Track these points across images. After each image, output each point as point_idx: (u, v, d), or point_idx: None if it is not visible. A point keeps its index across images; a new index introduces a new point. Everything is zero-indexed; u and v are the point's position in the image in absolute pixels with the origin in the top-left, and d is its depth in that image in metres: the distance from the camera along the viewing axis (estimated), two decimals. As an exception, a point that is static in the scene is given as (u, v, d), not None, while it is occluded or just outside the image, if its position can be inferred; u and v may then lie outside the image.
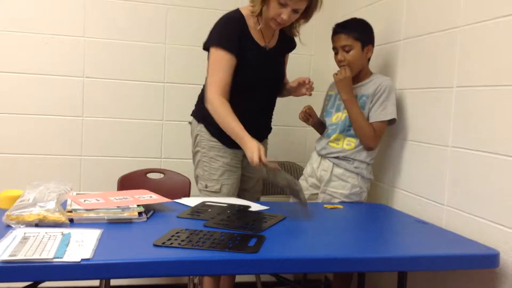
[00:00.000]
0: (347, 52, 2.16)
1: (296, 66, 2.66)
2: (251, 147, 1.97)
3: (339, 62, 2.21)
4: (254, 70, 2.16)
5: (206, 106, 2.13)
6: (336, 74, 2.18)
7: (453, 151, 1.83)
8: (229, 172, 2.22)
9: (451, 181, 1.84)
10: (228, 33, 2.12)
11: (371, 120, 2.14)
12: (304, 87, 2.22)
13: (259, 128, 2.24)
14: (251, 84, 2.17)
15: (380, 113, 2.13)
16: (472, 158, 1.72)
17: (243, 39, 2.14)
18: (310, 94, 2.24)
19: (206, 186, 2.22)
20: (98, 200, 1.73)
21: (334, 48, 2.23)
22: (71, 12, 2.70)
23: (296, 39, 2.34)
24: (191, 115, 2.31)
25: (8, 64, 2.65)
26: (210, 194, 2.21)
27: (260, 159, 1.92)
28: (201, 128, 2.23)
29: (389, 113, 2.13)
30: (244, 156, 2.28)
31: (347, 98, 2.15)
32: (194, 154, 2.29)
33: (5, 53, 2.64)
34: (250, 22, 2.16)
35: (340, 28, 2.20)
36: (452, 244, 1.61)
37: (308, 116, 2.32)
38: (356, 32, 2.15)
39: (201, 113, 2.23)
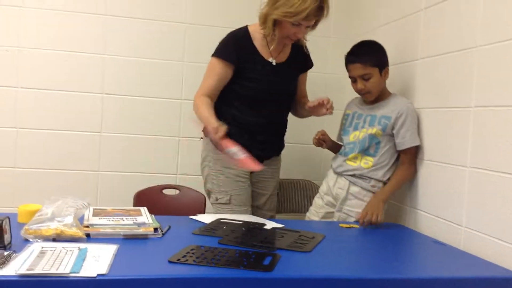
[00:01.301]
0: (367, 80, 2.14)
1: (312, 84, 2.66)
2: (211, 124, 2.00)
3: (359, 91, 2.19)
4: (259, 83, 2.19)
5: None
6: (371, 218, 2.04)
7: (471, 172, 1.81)
8: (237, 183, 2.23)
9: (469, 202, 1.82)
10: (228, 45, 2.20)
11: (405, 146, 2.12)
12: (324, 107, 2.20)
13: (267, 143, 2.25)
14: (256, 96, 2.20)
15: (410, 139, 2.11)
16: (491, 179, 1.70)
17: (246, 52, 2.19)
18: (331, 113, 2.21)
19: (217, 199, 2.25)
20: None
21: (351, 77, 2.20)
22: (91, 30, 2.76)
23: (308, 44, 2.35)
24: (202, 130, 2.34)
25: (29, 80, 2.71)
26: (222, 207, 2.23)
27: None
28: (208, 142, 2.26)
29: (416, 138, 2.12)
30: (252, 172, 2.29)
31: (384, 199, 2.13)
32: (202, 169, 2.32)
33: (27, 70, 2.70)
34: (257, 37, 2.22)
35: (355, 57, 2.17)
36: (471, 266, 1.59)
37: (322, 141, 2.31)
38: (372, 59, 2.13)
39: None
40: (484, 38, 1.77)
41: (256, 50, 2.21)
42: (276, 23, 2.10)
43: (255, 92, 2.19)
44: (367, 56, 2.14)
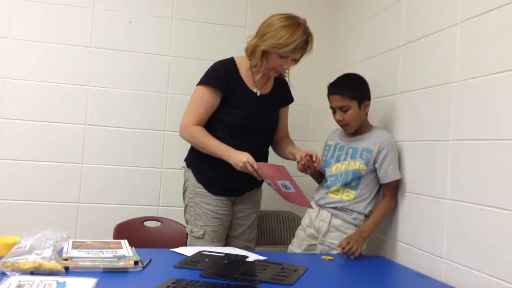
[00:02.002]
0: (345, 112, 2.18)
1: (295, 115, 2.71)
2: (238, 154, 2.07)
3: (338, 122, 2.24)
4: (243, 111, 2.22)
5: (181, 135, 2.22)
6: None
7: (450, 204, 1.84)
8: (213, 219, 2.23)
9: (449, 234, 1.83)
10: (215, 73, 2.23)
11: (387, 180, 2.15)
12: (310, 164, 2.19)
13: (249, 174, 2.27)
14: (241, 125, 2.23)
15: (392, 173, 2.14)
16: (469, 210, 1.72)
17: (232, 81, 2.23)
18: (320, 168, 2.26)
19: (192, 231, 2.26)
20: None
21: (331, 107, 2.25)
22: (75, 61, 2.77)
23: (287, 80, 2.41)
24: (184, 160, 2.35)
25: (11, 111, 2.69)
26: (195, 240, 2.24)
27: (251, 165, 2.04)
28: (189, 174, 2.27)
29: (398, 172, 2.15)
30: (234, 203, 2.30)
31: (368, 235, 2.14)
32: (183, 198, 2.33)
33: (10, 100, 2.69)
34: (242, 68, 2.26)
35: (335, 88, 2.22)
36: (452, 299, 1.59)
37: (306, 167, 2.32)
38: (351, 92, 2.17)
39: (191, 159, 2.30)
40: (461, 74, 1.83)
41: (242, 80, 2.25)
42: (264, 54, 2.15)
43: (240, 120, 2.22)
44: (346, 89, 2.19)
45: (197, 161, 2.26)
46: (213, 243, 2.23)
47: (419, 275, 1.88)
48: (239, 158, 2.07)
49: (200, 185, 2.25)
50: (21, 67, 2.71)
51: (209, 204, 2.23)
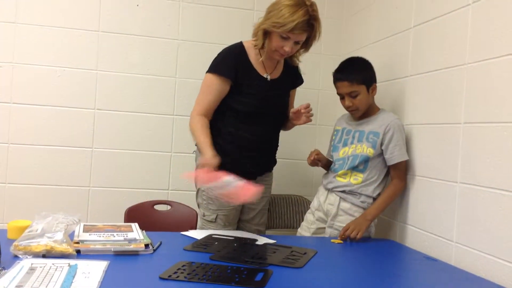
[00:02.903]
0: (354, 97, 2.16)
1: (303, 100, 2.69)
2: (205, 155, 2.05)
3: (347, 108, 2.22)
4: (255, 98, 2.20)
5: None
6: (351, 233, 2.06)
7: (461, 187, 1.82)
8: (225, 204, 2.22)
9: (459, 218, 1.83)
10: (224, 61, 2.20)
11: (393, 162, 2.13)
12: (303, 115, 2.23)
13: (262, 159, 2.26)
14: (252, 112, 2.20)
15: (398, 155, 2.12)
16: (480, 194, 1.71)
17: (243, 68, 2.19)
18: (310, 120, 2.26)
19: (204, 215, 2.26)
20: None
21: (339, 94, 2.23)
22: (84, 46, 2.77)
23: (298, 67, 2.38)
24: (195, 144, 2.34)
25: (23, 96, 2.70)
26: (207, 224, 2.24)
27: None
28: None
29: (405, 153, 2.13)
30: None
31: (373, 218, 2.14)
32: (195, 182, 2.32)
33: (20, 85, 2.70)
34: (251, 53, 2.23)
35: (341, 75, 2.19)
36: (462, 282, 1.59)
37: (317, 161, 2.31)
38: (359, 76, 2.15)
39: None
40: (473, 55, 1.80)
41: (252, 66, 2.22)
42: (266, 34, 2.12)
43: (252, 108, 2.20)
44: (354, 74, 2.16)
45: None
46: (225, 227, 2.23)
47: (429, 258, 1.87)
48: (201, 159, 2.05)
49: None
50: (29, 52, 2.71)
51: None
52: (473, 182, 1.76)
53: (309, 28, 2.10)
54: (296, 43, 2.13)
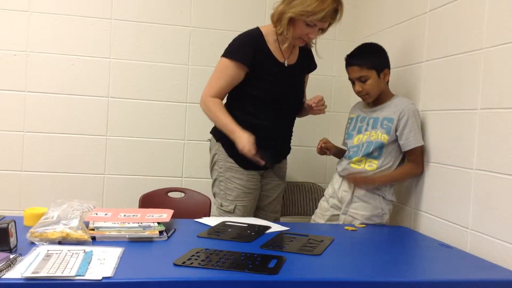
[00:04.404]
0: (364, 82, 2.15)
1: (317, 87, 2.67)
2: (241, 138, 2.06)
3: (358, 93, 2.20)
4: (273, 84, 2.18)
5: (200, 106, 2.21)
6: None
7: (477, 174, 1.80)
8: (244, 194, 2.22)
9: (475, 204, 1.81)
10: (242, 47, 2.17)
11: (409, 147, 2.11)
12: (317, 107, 2.24)
13: (278, 146, 2.25)
14: (271, 98, 2.19)
15: (413, 140, 2.10)
16: (497, 181, 1.69)
17: (261, 54, 2.17)
18: (324, 112, 2.28)
19: (221, 205, 2.25)
20: (106, 215, 1.75)
21: (350, 79, 2.22)
22: (97, 34, 2.77)
23: (313, 50, 2.37)
24: (210, 132, 2.33)
25: (37, 84, 2.72)
26: (224, 214, 2.23)
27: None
28: (218, 147, 2.25)
29: (420, 138, 2.11)
30: (263, 176, 2.29)
31: (379, 184, 2.15)
32: (211, 171, 2.32)
33: (34, 74, 2.72)
34: (270, 39, 2.20)
35: (352, 59, 2.18)
36: (478, 269, 1.58)
37: (325, 150, 2.31)
38: (368, 61, 2.13)
39: (219, 132, 2.25)
40: (490, 40, 1.76)
41: (270, 52, 2.20)
42: (290, 22, 2.10)
43: (270, 93, 2.18)
44: (364, 59, 2.15)
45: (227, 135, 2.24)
46: (243, 216, 2.23)
47: (444, 245, 1.86)
48: (240, 142, 2.08)
49: (231, 160, 2.23)
50: (43, 40, 2.72)
51: (241, 179, 2.22)
52: (489, 168, 1.73)
53: (335, 14, 2.10)
54: (320, 29, 2.13)
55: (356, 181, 2.15)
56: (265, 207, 2.37)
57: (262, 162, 2.10)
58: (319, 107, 2.23)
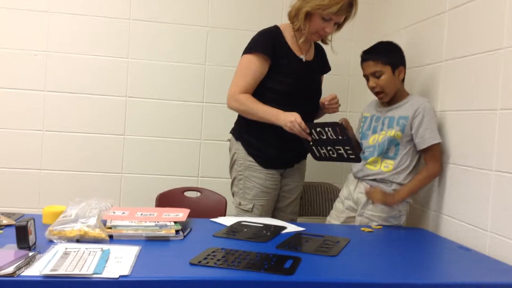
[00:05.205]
0: (378, 77, 2.14)
1: (334, 86, 2.66)
2: (291, 114, 2.04)
3: (371, 89, 2.19)
4: (293, 77, 2.20)
5: (229, 106, 2.19)
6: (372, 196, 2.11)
7: (496, 176, 1.77)
8: (263, 193, 2.22)
9: (494, 206, 1.78)
10: (263, 40, 2.19)
11: (425, 145, 2.08)
12: (328, 106, 2.23)
13: (299, 145, 2.24)
14: (291, 92, 2.19)
15: (429, 138, 2.07)
16: (517, 183, 1.66)
17: (280, 48, 2.20)
18: (337, 110, 2.28)
19: (240, 204, 2.26)
20: (123, 214, 1.76)
21: (365, 76, 2.21)
22: (116, 34, 2.80)
23: (327, 48, 2.38)
24: (230, 132, 2.34)
25: (56, 84, 2.76)
26: (243, 212, 2.23)
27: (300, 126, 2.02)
28: (238, 146, 2.26)
29: (437, 136, 2.08)
30: (283, 176, 2.29)
31: (400, 198, 2.10)
32: (231, 170, 2.32)
33: (54, 73, 2.75)
34: (287, 35, 2.23)
35: (367, 55, 2.18)
36: (496, 272, 1.55)
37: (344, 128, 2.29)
38: (383, 57, 2.13)
39: (239, 131, 2.26)
40: (510, 39, 1.73)
41: (288, 46, 2.23)
42: (307, 16, 2.12)
43: (289, 87, 2.19)
44: (379, 54, 2.15)
45: (247, 133, 2.25)
46: (261, 216, 2.23)
47: (462, 248, 1.84)
48: (288, 118, 2.04)
49: (250, 158, 2.23)
50: (62, 40, 2.75)
51: (259, 178, 2.23)
52: (509, 170, 1.70)
53: (350, 9, 2.13)
54: (336, 24, 2.15)
55: (376, 200, 2.09)
56: (283, 208, 2.37)
57: (309, 138, 2.07)
58: (332, 105, 2.22)
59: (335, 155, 2.09)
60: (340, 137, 1.99)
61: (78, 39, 2.77)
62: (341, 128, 1.97)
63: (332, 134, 2.00)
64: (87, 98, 2.79)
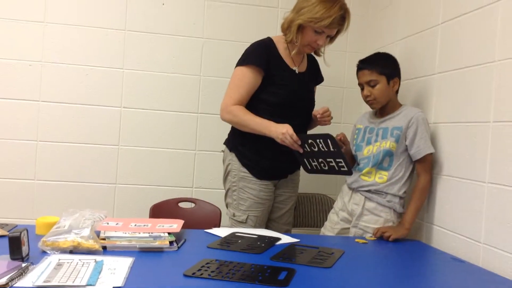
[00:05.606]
0: (373, 86, 2.16)
1: (328, 98, 2.67)
2: (282, 126, 2.05)
3: (365, 97, 2.21)
4: (286, 89, 2.21)
5: (222, 117, 2.20)
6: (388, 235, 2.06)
7: (489, 188, 1.78)
8: (257, 204, 2.22)
9: (488, 218, 1.79)
10: (256, 52, 2.21)
11: (421, 155, 2.09)
12: (323, 119, 2.24)
13: (293, 156, 2.25)
14: (286, 104, 2.20)
15: (424, 147, 2.09)
16: (510, 194, 1.67)
17: (273, 60, 2.21)
18: (329, 123, 2.28)
19: (234, 215, 2.25)
20: (117, 224, 1.75)
21: (360, 84, 2.23)
22: (111, 45, 2.81)
23: (320, 60, 2.39)
24: (224, 143, 2.34)
25: (51, 94, 2.76)
26: (237, 224, 2.23)
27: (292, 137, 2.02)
28: (232, 157, 2.26)
29: (431, 146, 2.10)
30: (276, 186, 2.30)
31: (409, 225, 2.09)
32: (225, 182, 2.32)
33: (48, 84, 2.75)
34: (280, 47, 2.25)
35: (363, 64, 2.21)
36: (490, 284, 1.56)
37: (342, 143, 2.30)
38: (379, 67, 2.16)
39: (233, 142, 2.27)
40: (502, 52, 1.76)
41: (281, 58, 2.24)
42: (299, 29, 2.14)
43: (285, 99, 2.20)
44: (375, 64, 2.18)
45: (241, 144, 2.25)
46: (255, 227, 2.23)
47: (456, 259, 1.84)
48: (279, 130, 2.05)
49: (244, 169, 2.24)
50: (58, 51, 2.76)
51: (254, 189, 2.23)
52: (502, 182, 1.72)
53: (342, 22, 2.15)
54: (328, 36, 2.17)
55: (391, 238, 2.04)
56: (277, 219, 2.37)
57: (301, 150, 2.07)
58: (325, 118, 2.23)
59: (326, 168, 2.09)
60: (331, 149, 2.00)
61: (73, 50, 2.77)
62: (333, 140, 1.97)
63: (324, 146, 2.01)
64: (82, 108, 2.79)
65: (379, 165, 2.16)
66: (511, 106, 1.70)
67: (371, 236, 2.10)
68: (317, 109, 2.25)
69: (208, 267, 1.45)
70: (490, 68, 1.82)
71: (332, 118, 2.26)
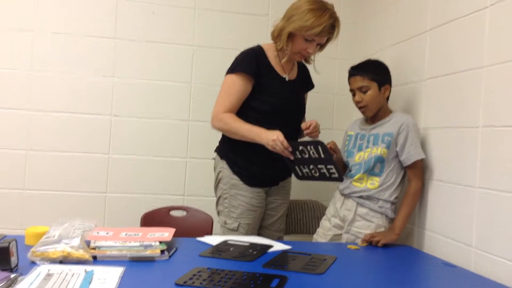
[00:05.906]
0: (364, 92, 2.17)
1: (319, 105, 2.68)
2: (272, 133, 2.04)
3: (357, 103, 2.22)
4: (276, 97, 2.21)
5: (213, 125, 2.20)
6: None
7: (480, 192, 1.79)
8: (248, 212, 2.22)
9: (478, 223, 1.79)
10: (246, 59, 2.21)
11: (411, 161, 2.10)
12: (311, 134, 2.21)
13: (284, 163, 2.25)
14: (276, 112, 2.20)
15: (415, 153, 2.10)
16: (500, 199, 1.68)
17: (263, 68, 2.21)
18: (317, 136, 2.22)
19: (225, 223, 2.24)
20: (107, 234, 1.73)
21: (351, 90, 2.24)
22: (101, 53, 2.80)
23: (310, 67, 2.40)
24: (215, 151, 2.34)
25: (39, 103, 2.74)
26: (228, 231, 2.22)
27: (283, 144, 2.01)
28: (223, 165, 2.25)
29: (421, 151, 2.11)
30: (267, 194, 2.29)
31: (399, 230, 2.09)
32: (216, 189, 2.31)
33: (38, 92, 2.73)
34: (270, 54, 2.25)
35: (355, 70, 2.22)
36: (482, 289, 1.56)
37: (333, 152, 2.30)
38: (371, 73, 2.17)
39: (224, 150, 2.27)
40: (490, 58, 1.77)
41: (271, 66, 2.24)
42: (289, 37, 2.15)
43: (275, 106, 2.20)
44: (367, 70, 2.19)
45: (231, 152, 2.25)
46: (246, 235, 2.22)
47: (447, 264, 1.84)
48: (270, 137, 2.04)
49: (235, 177, 2.23)
50: (47, 59, 2.75)
51: (245, 196, 2.22)
52: (492, 186, 1.73)
53: (332, 30, 2.16)
54: (318, 44, 2.18)
55: (380, 243, 2.04)
56: (269, 226, 2.36)
57: (292, 156, 2.06)
58: (313, 134, 2.19)
59: (317, 174, 2.09)
60: (322, 156, 2.00)
61: (63, 58, 2.76)
62: (323, 147, 1.98)
63: (315, 152, 2.01)
64: (71, 117, 2.78)
65: (370, 171, 2.17)
66: (500, 111, 1.71)
67: (363, 242, 2.10)
68: (306, 122, 2.22)
69: (199, 276, 1.44)
70: (478, 73, 1.83)
71: (319, 133, 2.23)
